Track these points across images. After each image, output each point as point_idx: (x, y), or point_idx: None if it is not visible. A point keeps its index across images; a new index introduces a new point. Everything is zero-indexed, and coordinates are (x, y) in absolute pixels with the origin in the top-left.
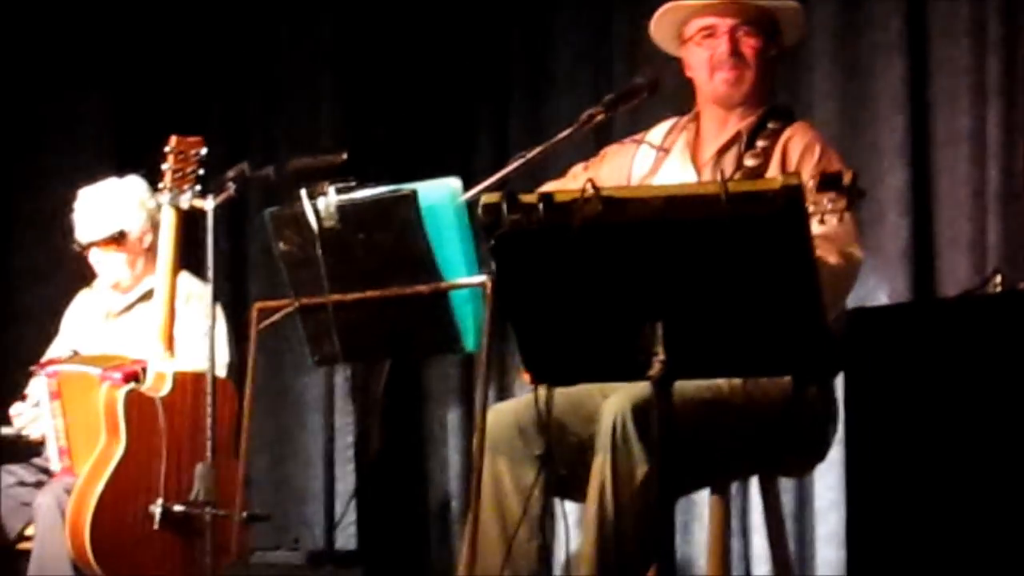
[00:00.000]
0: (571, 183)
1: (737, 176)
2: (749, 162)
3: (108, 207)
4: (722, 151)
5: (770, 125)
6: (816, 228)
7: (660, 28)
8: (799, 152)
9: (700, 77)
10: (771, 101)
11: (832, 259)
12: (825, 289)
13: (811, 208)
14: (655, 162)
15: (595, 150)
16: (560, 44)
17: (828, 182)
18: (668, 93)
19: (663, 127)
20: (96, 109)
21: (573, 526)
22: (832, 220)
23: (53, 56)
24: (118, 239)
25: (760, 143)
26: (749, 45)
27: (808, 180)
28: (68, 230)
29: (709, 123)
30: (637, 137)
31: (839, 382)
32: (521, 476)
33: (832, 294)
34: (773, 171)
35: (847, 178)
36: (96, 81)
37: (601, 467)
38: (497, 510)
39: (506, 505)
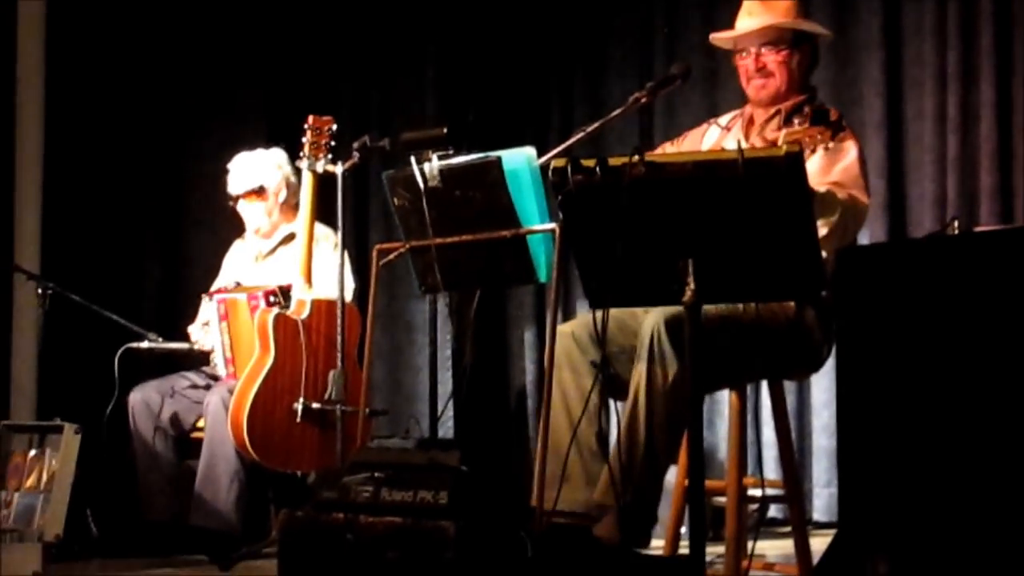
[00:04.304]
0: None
1: (780, 139)
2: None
3: (253, 168)
4: (765, 123)
5: (805, 109)
6: (833, 176)
7: (718, 43)
8: None
9: (742, 83)
10: (808, 88)
11: (842, 195)
12: (837, 218)
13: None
14: (719, 138)
15: (640, 126)
16: (613, 42)
17: (818, 118)
18: (695, 81)
19: (731, 113)
20: (251, 94)
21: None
22: (843, 170)
23: (219, 56)
24: (258, 192)
25: (796, 120)
26: (772, 60)
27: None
28: (224, 187)
29: (758, 108)
30: (711, 120)
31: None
32: (579, 379)
33: (841, 224)
34: None
35: (833, 115)
36: (251, 73)
37: (640, 370)
38: (563, 405)
39: (569, 400)
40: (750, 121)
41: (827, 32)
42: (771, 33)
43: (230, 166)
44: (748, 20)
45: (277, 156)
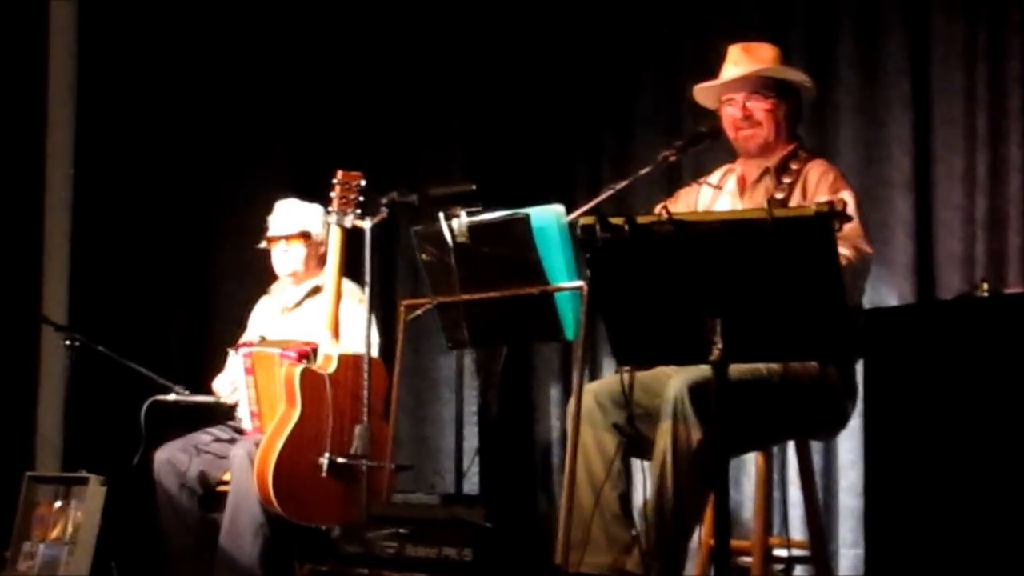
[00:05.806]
0: None
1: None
2: (778, 195)
3: (301, 212)
4: (755, 183)
5: (792, 165)
6: None
7: (701, 97)
8: (816, 181)
9: (728, 134)
10: (794, 140)
11: (846, 252)
12: (845, 276)
13: None
14: (712, 197)
15: (668, 184)
16: (642, 100)
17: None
18: (725, 139)
19: (720, 171)
20: (281, 146)
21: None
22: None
23: (249, 107)
24: (304, 236)
25: (785, 179)
26: (760, 109)
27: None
28: (262, 232)
29: (747, 164)
30: (700, 180)
31: (859, 367)
32: (600, 440)
33: (851, 279)
34: (795, 200)
35: (838, 205)
36: (281, 125)
37: (664, 433)
38: (585, 467)
39: (591, 463)
40: (741, 179)
41: (811, 83)
42: (757, 82)
43: (277, 206)
44: (734, 68)
45: (322, 210)
